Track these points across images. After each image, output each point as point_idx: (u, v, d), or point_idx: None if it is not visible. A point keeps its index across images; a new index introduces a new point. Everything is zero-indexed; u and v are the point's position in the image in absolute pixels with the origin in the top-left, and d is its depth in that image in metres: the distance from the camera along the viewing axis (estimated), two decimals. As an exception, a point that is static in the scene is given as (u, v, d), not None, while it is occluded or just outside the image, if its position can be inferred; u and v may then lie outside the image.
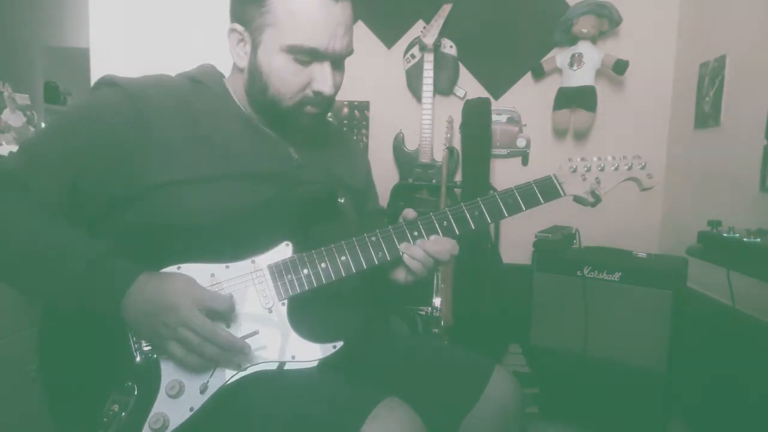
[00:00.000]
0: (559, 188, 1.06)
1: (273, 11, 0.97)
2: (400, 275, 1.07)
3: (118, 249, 0.91)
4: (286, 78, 1.00)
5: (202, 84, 1.07)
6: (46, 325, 0.96)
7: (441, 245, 1.01)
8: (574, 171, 1.07)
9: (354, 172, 1.22)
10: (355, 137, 2.67)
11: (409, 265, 1.02)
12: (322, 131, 1.18)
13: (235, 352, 0.89)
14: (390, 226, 1.02)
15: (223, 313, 0.89)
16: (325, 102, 1.05)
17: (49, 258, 0.88)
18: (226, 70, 1.13)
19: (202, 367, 0.89)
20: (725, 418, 1.87)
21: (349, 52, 1.04)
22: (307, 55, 0.99)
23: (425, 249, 1.00)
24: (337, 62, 1.04)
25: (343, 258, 0.99)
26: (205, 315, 0.87)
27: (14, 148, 1.82)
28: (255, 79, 1.03)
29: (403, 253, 1.01)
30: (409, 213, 1.05)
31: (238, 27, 1.02)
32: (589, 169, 1.07)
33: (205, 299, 0.88)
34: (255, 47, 1.01)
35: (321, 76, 1.01)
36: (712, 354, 1.96)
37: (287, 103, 1.03)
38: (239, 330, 0.93)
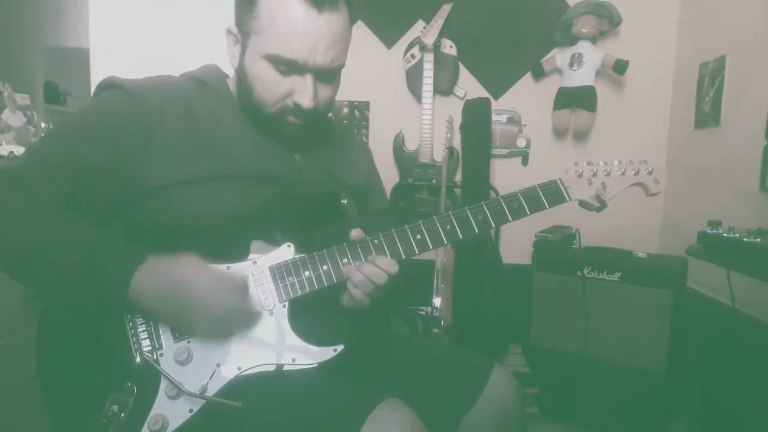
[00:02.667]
0: (565, 193, 1.05)
1: (259, 18, 0.97)
2: (344, 297, 1.03)
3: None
4: (268, 85, 1.00)
5: (206, 85, 1.07)
6: (45, 325, 0.96)
7: (374, 266, 0.96)
8: (580, 175, 1.06)
9: (355, 171, 1.22)
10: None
11: (350, 292, 0.98)
12: (324, 133, 1.18)
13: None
14: (393, 229, 1.01)
15: (241, 289, 0.91)
16: (308, 114, 1.02)
17: (51, 249, 0.88)
18: (226, 70, 1.13)
19: (229, 336, 0.91)
20: (725, 419, 1.87)
21: (336, 66, 1.02)
22: (285, 66, 0.98)
23: (362, 272, 0.97)
24: (323, 75, 1.01)
25: (345, 260, 0.99)
26: None
27: (14, 148, 1.83)
28: (241, 81, 1.03)
29: (347, 279, 0.98)
30: (356, 233, 1.00)
31: (234, 29, 1.03)
32: (595, 174, 1.06)
33: (220, 280, 0.90)
34: (243, 51, 1.01)
35: (301, 89, 0.99)
36: (712, 354, 1.96)
37: (269, 110, 1.02)
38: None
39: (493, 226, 1.03)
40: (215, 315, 0.88)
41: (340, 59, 1.02)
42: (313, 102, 1.00)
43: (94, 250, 0.88)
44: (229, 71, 1.12)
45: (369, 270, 0.96)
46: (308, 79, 0.99)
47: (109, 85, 1.00)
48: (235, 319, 0.91)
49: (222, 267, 0.95)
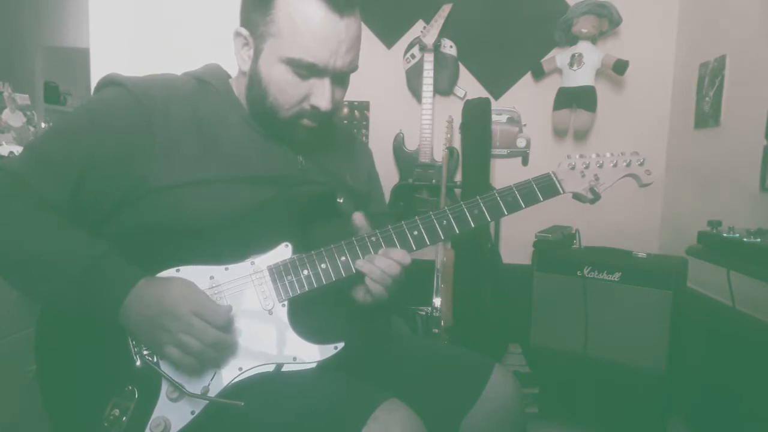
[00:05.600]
0: (558, 186, 1.06)
1: (276, 21, 0.96)
2: (359, 293, 1.04)
3: (119, 251, 0.91)
4: (285, 89, 1.00)
5: (209, 84, 1.06)
6: (43, 329, 0.96)
7: (388, 258, 0.98)
8: (573, 168, 1.07)
9: (357, 173, 1.22)
10: (356, 138, 2.67)
11: (370, 288, 0.99)
12: (328, 134, 1.17)
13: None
14: (390, 226, 1.01)
15: (220, 327, 0.88)
16: (323, 116, 1.03)
17: (47, 261, 0.88)
18: (229, 70, 1.13)
19: (199, 370, 0.89)
20: (725, 419, 1.87)
21: (352, 69, 1.03)
22: (305, 70, 0.98)
23: (377, 265, 0.97)
24: (339, 78, 1.02)
25: (343, 258, 0.99)
26: None
27: (14, 148, 1.83)
28: (254, 85, 1.02)
29: (360, 272, 0.98)
30: (358, 218, 1.03)
31: (244, 31, 1.02)
32: (587, 166, 1.07)
33: (204, 311, 0.87)
34: (257, 54, 1.01)
35: (319, 91, 1.00)
36: (712, 354, 1.96)
37: (284, 114, 1.02)
38: (239, 332, 0.93)
39: (490, 220, 1.04)
40: (186, 348, 0.86)
41: (355, 62, 1.04)
42: (331, 104, 1.01)
43: (90, 269, 0.87)
44: (232, 71, 1.11)
45: (383, 263, 0.97)
46: (326, 82, 1.00)
47: (110, 83, 1.00)
48: (207, 353, 0.87)
49: (220, 268, 0.95)
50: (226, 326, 0.89)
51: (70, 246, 0.89)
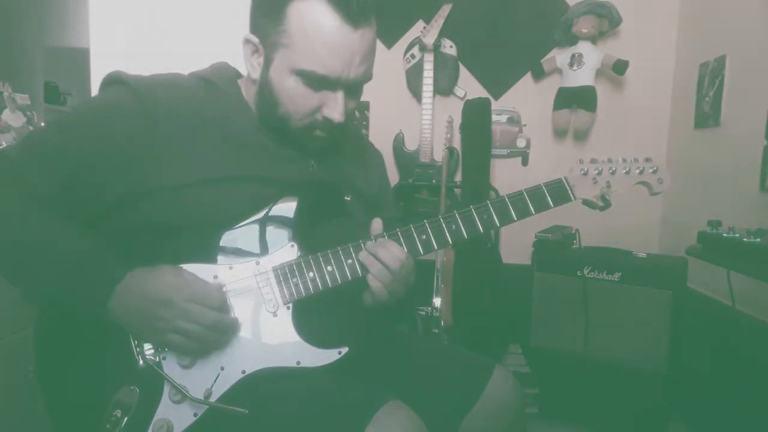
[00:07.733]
0: (570, 192, 1.03)
1: (289, 31, 0.94)
2: (364, 295, 1.02)
3: (112, 247, 0.90)
4: (297, 100, 0.97)
5: (215, 85, 1.04)
6: (43, 327, 0.95)
7: (388, 250, 0.96)
8: (585, 174, 1.04)
9: (368, 177, 1.20)
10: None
11: (369, 284, 0.97)
12: (341, 141, 1.14)
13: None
14: (398, 229, 1.00)
15: (216, 308, 0.88)
16: (335, 128, 1.01)
17: (34, 252, 0.88)
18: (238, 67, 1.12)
19: (203, 354, 0.89)
20: (725, 419, 1.87)
21: (366, 79, 1.01)
22: (317, 82, 0.96)
23: (376, 255, 0.96)
24: (352, 89, 1.01)
25: (350, 261, 0.98)
26: None
27: (14, 149, 1.82)
28: (265, 94, 1.00)
29: (366, 272, 0.97)
30: (376, 224, 1.02)
31: (254, 38, 0.99)
32: (600, 173, 1.04)
33: (197, 296, 0.87)
34: (268, 63, 0.98)
35: (332, 103, 0.98)
36: (712, 354, 1.97)
37: (296, 124, 1.00)
38: (242, 334, 0.93)
39: (499, 225, 1.02)
40: (187, 333, 0.86)
41: (370, 71, 1.01)
42: (343, 116, 0.99)
43: (75, 264, 0.87)
44: (242, 69, 1.10)
45: (384, 255, 0.95)
46: (339, 94, 0.98)
47: (115, 81, 0.99)
48: (208, 335, 0.87)
49: (224, 267, 0.94)
50: (222, 306, 0.89)
51: (56, 240, 0.88)
